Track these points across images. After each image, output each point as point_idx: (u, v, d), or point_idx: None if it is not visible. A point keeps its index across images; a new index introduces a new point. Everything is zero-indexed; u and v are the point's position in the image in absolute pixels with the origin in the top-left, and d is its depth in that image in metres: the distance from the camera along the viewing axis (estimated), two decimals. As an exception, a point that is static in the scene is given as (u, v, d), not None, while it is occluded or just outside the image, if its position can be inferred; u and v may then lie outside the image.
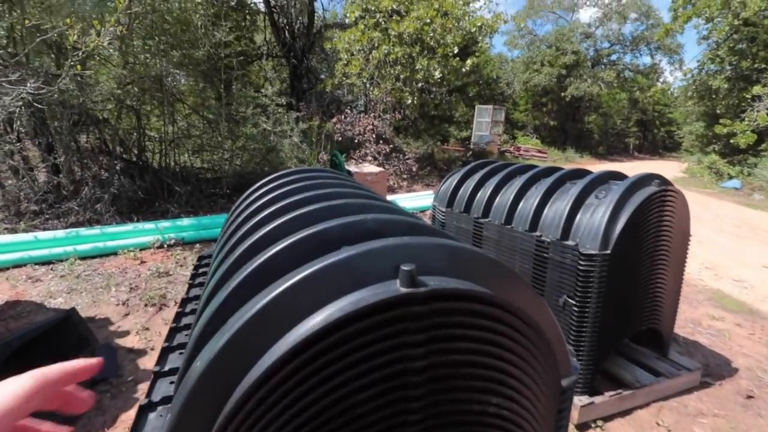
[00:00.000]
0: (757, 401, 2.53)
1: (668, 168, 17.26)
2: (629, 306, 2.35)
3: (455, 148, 16.52)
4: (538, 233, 2.40)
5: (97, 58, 6.01)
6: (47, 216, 5.39)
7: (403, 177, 9.62)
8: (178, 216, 5.78)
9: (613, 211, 2.14)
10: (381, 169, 7.31)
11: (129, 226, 4.89)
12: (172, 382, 1.03)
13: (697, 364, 2.67)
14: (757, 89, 12.24)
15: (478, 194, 3.02)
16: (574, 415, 2.20)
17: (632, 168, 2.50)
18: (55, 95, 4.51)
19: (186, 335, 1.22)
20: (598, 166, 7.15)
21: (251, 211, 1.50)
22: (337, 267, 0.79)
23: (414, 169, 9.83)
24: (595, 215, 2.19)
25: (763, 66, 12.39)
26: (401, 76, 10.27)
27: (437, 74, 10.12)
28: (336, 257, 0.80)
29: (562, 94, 23.46)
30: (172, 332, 1.24)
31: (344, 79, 10.73)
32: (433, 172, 11.27)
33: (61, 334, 2.57)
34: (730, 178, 12.30)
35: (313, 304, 0.76)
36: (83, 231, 4.66)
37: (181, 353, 1.14)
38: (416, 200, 7.46)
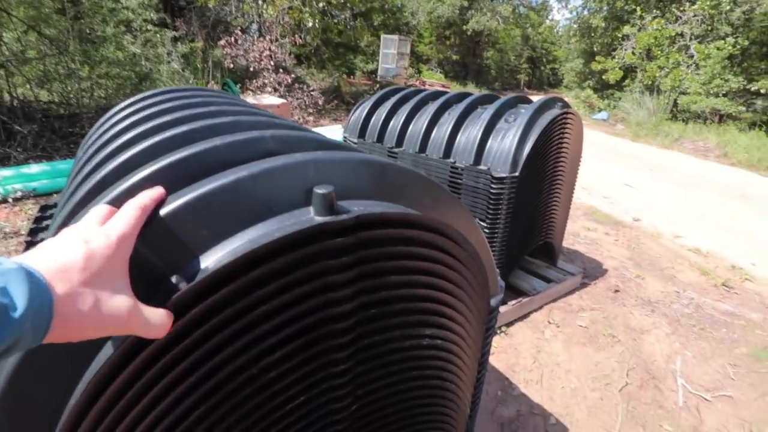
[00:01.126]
0: (621, 294, 3.05)
1: (552, 102, 19.08)
2: (531, 224, 2.53)
3: (362, 81, 15.89)
4: (452, 160, 2.37)
5: None
6: None
7: (308, 111, 8.97)
8: (24, 162, 4.60)
9: (521, 135, 2.18)
10: (283, 100, 6.66)
11: (-50, 178, 3.74)
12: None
13: (579, 269, 3.08)
14: (626, 29, 13.71)
15: (391, 123, 2.86)
16: (485, 328, 2.38)
17: (545, 97, 2.68)
18: None
19: None
20: (497, 98, 7.46)
21: (106, 140, 1.13)
22: (227, 193, 0.57)
23: (320, 102, 9.20)
24: (505, 140, 2.20)
25: (633, 7, 13.80)
26: (299, -5, 9.13)
27: (339, -6, 9.20)
28: (224, 179, 0.57)
29: (464, 27, 23.71)
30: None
31: (231, -6, 9.17)
32: (341, 106, 10.75)
33: None
34: (600, 110, 14.06)
35: (196, 245, 0.54)
36: None
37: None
38: (325, 135, 7.06)
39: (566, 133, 2.43)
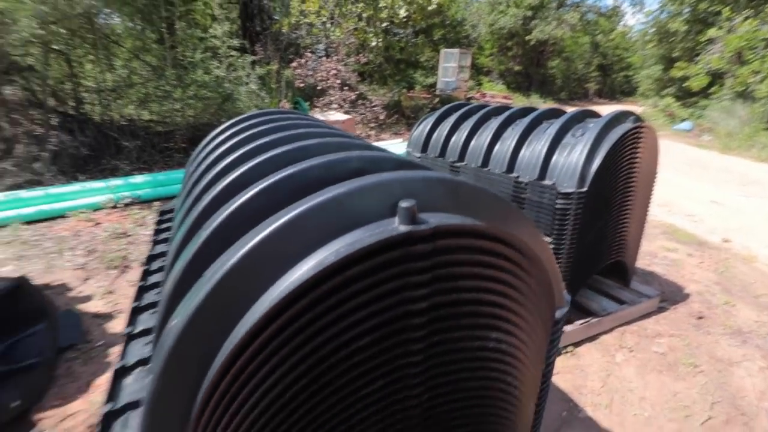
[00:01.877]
0: (706, 321, 2.79)
1: (626, 111, 17.80)
2: (600, 241, 2.44)
3: (422, 95, 16.09)
4: (515, 174, 2.39)
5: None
6: (-23, 179, 4.82)
7: (370, 126, 9.31)
8: (130, 173, 5.34)
9: (590, 150, 2.14)
10: (348, 116, 7.01)
11: (76, 186, 4.46)
12: (147, 344, 0.93)
13: (656, 291, 2.88)
14: (712, 32, 12.49)
15: (453, 138, 2.94)
16: (548, 345, 2.33)
17: (614, 111, 2.54)
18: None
19: (156, 294, 1.11)
20: (564, 110, 7.18)
21: (216, 156, 1.35)
22: (328, 206, 0.69)
23: (381, 117, 9.51)
24: (572, 154, 2.18)
25: (719, 8, 12.57)
26: (364, 15, 9.60)
27: (402, 12, 9.53)
28: (325, 195, 0.70)
29: (527, 37, 23.05)
30: (141, 291, 1.12)
31: (302, 18, 9.89)
32: (401, 120, 10.99)
33: (12, 303, 2.36)
34: (682, 120, 12.86)
35: (303, 248, 0.67)
36: (24, 193, 4.21)
37: (153, 313, 1.03)
38: (388, 149, 7.28)
39: (639, 148, 2.33)
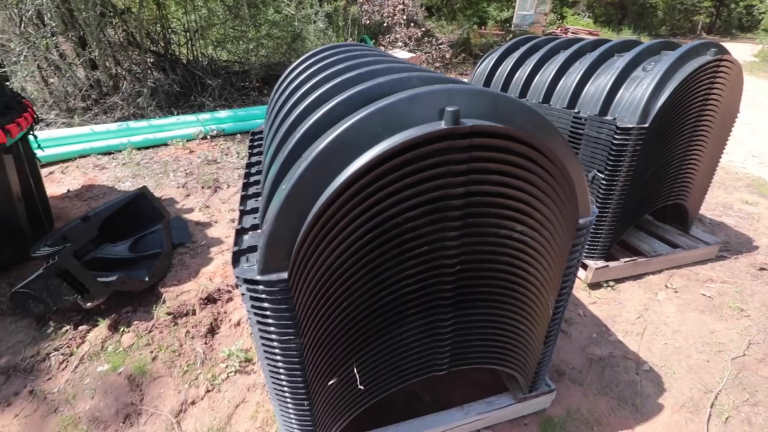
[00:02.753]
0: (768, 272, 2.70)
1: (737, 51, 15.07)
2: (658, 181, 2.41)
3: (494, 31, 14.93)
4: (576, 110, 2.39)
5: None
6: (95, 111, 5.67)
7: (435, 65, 9.06)
8: (214, 109, 5.93)
9: (657, 84, 2.07)
10: (412, 54, 6.91)
11: (172, 119, 5.11)
12: (254, 217, 1.27)
13: (716, 239, 2.80)
14: None
15: (517, 73, 2.92)
16: (588, 276, 2.46)
17: (694, 42, 2.21)
18: (78, -20, 4.37)
19: (255, 200, 1.43)
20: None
21: (300, 81, 1.61)
22: (390, 108, 0.92)
23: (447, 56, 9.17)
24: (638, 89, 2.13)
25: None
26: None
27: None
28: (388, 101, 0.92)
29: (627, -41, 19.77)
30: (245, 186, 1.47)
31: (371, -51, 9.46)
32: (468, 60, 10.48)
33: (138, 207, 2.98)
34: (813, 59, 10.70)
35: (371, 138, 0.92)
36: (132, 124, 4.94)
37: (254, 209, 1.36)
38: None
39: (717, 83, 2.19)
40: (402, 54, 6.97)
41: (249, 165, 1.64)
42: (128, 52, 6.52)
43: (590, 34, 17.01)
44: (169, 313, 2.23)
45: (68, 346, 2.06)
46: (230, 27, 7.73)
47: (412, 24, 8.83)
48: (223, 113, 5.37)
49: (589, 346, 2.12)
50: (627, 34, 19.27)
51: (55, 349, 2.04)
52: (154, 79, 6.28)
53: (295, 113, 1.27)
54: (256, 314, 1.02)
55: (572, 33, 16.67)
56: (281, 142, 1.24)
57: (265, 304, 0.99)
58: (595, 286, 2.51)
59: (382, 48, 8.37)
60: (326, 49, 2.00)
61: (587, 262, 2.48)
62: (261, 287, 0.96)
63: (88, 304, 2.13)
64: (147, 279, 2.44)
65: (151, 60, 6.71)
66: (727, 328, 2.25)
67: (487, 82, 3.10)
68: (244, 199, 1.36)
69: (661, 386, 1.90)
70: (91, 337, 2.11)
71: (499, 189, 1.00)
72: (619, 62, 2.28)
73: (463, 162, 0.93)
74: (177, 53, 7.04)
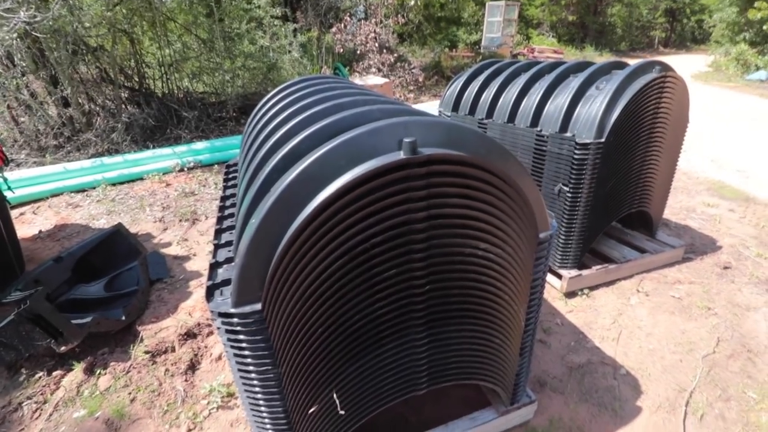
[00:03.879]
0: (732, 271, 2.84)
1: (692, 62, 16.11)
2: (620, 191, 2.55)
3: (465, 54, 15.53)
4: (538, 128, 2.52)
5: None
6: (68, 149, 5.61)
7: (409, 88, 9.34)
8: (190, 141, 5.94)
9: (609, 101, 2.22)
10: (386, 80, 7.13)
11: (148, 153, 5.10)
12: (229, 250, 1.30)
13: (681, 242, 2.94)
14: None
15: (483, 95, 3.06)
16: (563, 285, 2.54)
17: (640, 61, 2.39)
18: (50, 22, 4.41)
19: (230, 233, 1.46)
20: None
21: (270, 116, 1.67)
22: (352, 142, 0.98)
23: (420, 79, 9.48)
24: (593, 106, 2.27)
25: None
26: (402, -27, 9.36)
27: (442, -32, 9.17)
28: (350, 135, 0.98)
29: (584, -18, 21.08)
30: (220, 220, 1.50)
31: (340, -19, 9.86)
32: (441, 82, 10.85)
33: (113, 245, 2.94)
34: (758, 69, 11.52)
35: (335, 170, 0.97)
36: (107, 159, 4.90)
37: (228, 242, 1.39)
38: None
39: (664, 97, 2.36)
40: (376, 80, 7.19)
41: (223, 198, 1.67)
42: (102, 88, 6.52)
43: (555, 52, 17.84)
44: (147, 352, 2.19)
45: (42, 394, 1.99)
46: (205, 59, 7.85)
47: (384, 50, 9.14)
48: (199, 144, 5.38)
49: (568, 354, 2.17)
50: (590, 51, 20.32)
51: (28, 398, 1.97)
52: (129, 113, 6.29)
53: (265, 148, 1.32)
54: (232, 347, 1.04)
55: (538, 52, 17.48)
56: (252, 175, 1.28)
57: (241, 336, 1.01)
58: (570, 294, 2.59)
59: (357, 74, 8.60)
60: (297, 83, 2.08)
61: (561, 271, 2.57)
62: (235, 320, 0.98)
63: (63, 348, 2.08)
64: (123, 318, 2.39)
65: (126, 95, 6.73)
66: (696, 327, 2.34)
67: (456, 104, 3.24)
68: (218, 233, 1.39)
69: (638, 389, 1.96)
70: (65, 383, 2.05)
71: (459, 211, 1.07)
72: (574, 82, 2.44)
73: (422, 188, 0.99)
74: (152, 87, 7.07)
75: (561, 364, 2.11)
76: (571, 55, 18.95)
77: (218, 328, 1.02)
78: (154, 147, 5.71)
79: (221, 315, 0.98)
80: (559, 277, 2.58)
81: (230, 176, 1.98)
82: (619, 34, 25.53)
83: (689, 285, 2.70)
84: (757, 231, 3.39)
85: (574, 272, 2.55)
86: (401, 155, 0.97)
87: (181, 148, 5.20)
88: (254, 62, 7.95)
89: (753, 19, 12.39)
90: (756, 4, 12.27)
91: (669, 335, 2.29)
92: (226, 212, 1.53)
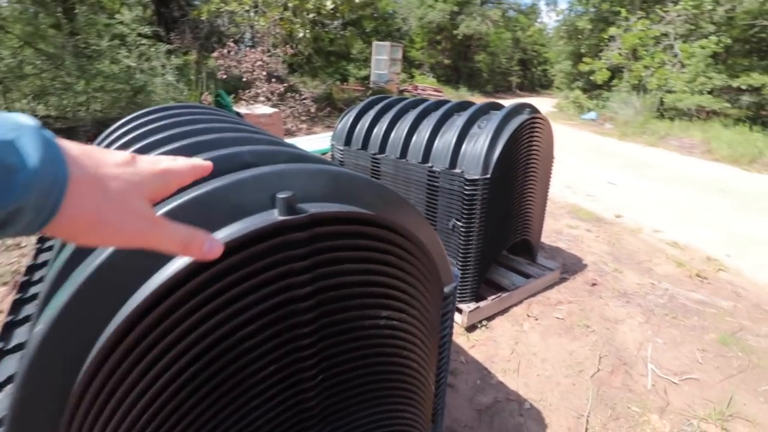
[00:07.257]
0: (598, 287, 3.20)
1: (542, 103, 19.31)
2: (506, 222, 2.68)
3: (355, 87, 16.07)
4: (429, 164, 2.53)
5: None
6: None
7: (301, 119, 9.13)
8: (24, 176, 4.74)
9: (491, 140, 2.33)
10: (275, 110, 6.82)
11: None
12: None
13: (557, 264, 3.23)
14: (612, 30, 13.99)
15: (374, 130, 3.01)
16: (464, 320, 2.53)
17: (513, 103, 2.80)
18: None
19: (36, 305, 1.04)
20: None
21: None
22: (204, 200, 0.71)
23: (312, 110, 9.37)
24: (477, 144, 2.36)
25: (618, 8, 14.08)
26: (290, 5, 9.32)
27: (329, 4, 9.41)
28: (201, 190, 0.72)
29: (455, 32, 24.08)
30: (17, 304, 1.04)
31: (222, 5, 9.36)
32: (333, 113, 10.92)
33: None
34: (589, 110, 14.30)
35: (179, 243, 0.69)
36: None
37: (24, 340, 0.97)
38: (317, 142, 7.21)
39: (535, 136, 2.59)
40: (264, 109, 6.82)
41: (31, 268, 1.20)
42: None
43: (436, 90, 19.69)
44: None
45: None
46: (50, 78, 6.55)
47: (273, 79, 8.83)
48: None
49: (476, 395, 2.11)
50: (463, 91, 22.97)
51: None
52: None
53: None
54: None
55: (421, 89, 19.07)
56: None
57: None
58: (471, 328, 2.59)
59: (244, 102, 8.09)
60: (151, 112, 1.70)
61: (461, 306, 2.56)
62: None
63: None
64: None
65: None
66: (580, 346, 2.52)
67: (348, 138, 3.13)
68: (8, 327, 0.94)
69: (542, 422, 1.96)
70: None
71: (353, 278, 0.87)
72: (459, 120, 2.52)
73: (305, 257, 0.77)
74: (-33, 108, 5.56)
75: (470, 408, 2.03)
76: (450, 94, 21.13)
77: None
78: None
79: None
80: (460, 311, 2.56)
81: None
82: (485, 78, 29.55)
83: (568, 305, 2.93)
84: (610, 248, 3.94)
85: (472, 305, 2.56)
86: (276, 216, 0.74)
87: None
88: (117, 83, 6.90)
89: (583, 71, 15.45)
90: (584, 59, 15.35)
91: (560, 358, 2.40)
92: (29, 292, 1.08)
